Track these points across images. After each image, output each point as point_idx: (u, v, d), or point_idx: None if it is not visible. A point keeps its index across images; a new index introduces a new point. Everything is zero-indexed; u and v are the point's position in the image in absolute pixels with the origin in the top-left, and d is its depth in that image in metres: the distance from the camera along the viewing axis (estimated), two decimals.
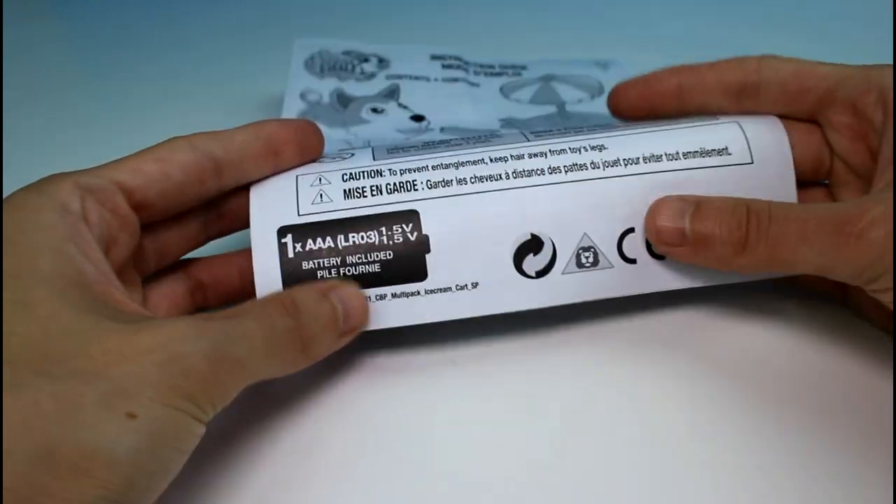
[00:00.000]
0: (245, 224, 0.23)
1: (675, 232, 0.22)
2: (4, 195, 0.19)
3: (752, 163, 0.23)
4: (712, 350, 0.23)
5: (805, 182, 0.24)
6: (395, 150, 0.25)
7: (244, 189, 0.23)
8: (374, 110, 0.33)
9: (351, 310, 0.21)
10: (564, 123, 0.33)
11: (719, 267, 0.22)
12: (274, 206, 0.22)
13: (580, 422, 0.21)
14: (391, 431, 0.21)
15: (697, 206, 0.21)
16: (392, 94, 0.35)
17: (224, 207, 0.23)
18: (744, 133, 0.23)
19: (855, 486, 0.19)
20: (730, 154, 0.23)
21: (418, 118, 0.33)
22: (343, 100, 0.34)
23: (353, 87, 0.35)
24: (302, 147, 0.23)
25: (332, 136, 0.31)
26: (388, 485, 0.20)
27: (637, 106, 0.25)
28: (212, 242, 0.24)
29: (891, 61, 0.22)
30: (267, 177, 0.23)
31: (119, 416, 0.15)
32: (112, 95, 0.42)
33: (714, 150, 0.23)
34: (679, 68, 0.24)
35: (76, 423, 0.14)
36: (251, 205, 0.22)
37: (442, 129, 0.32)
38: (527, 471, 0.20)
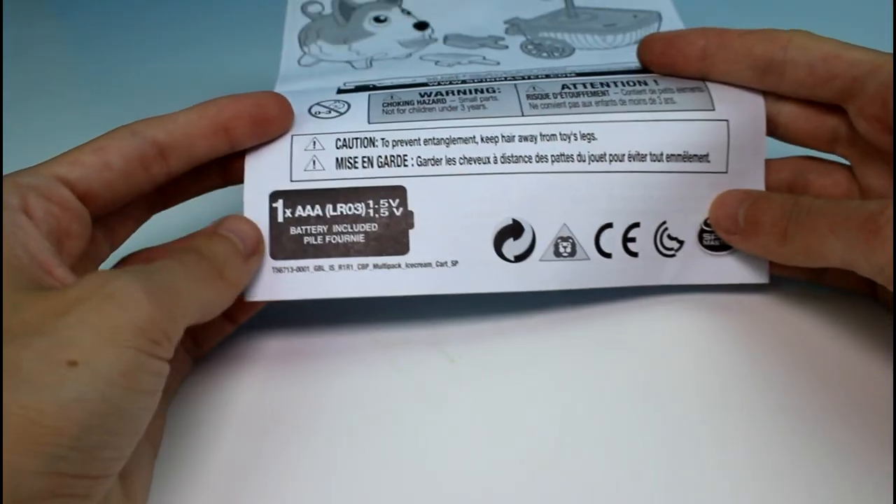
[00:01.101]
0: (187, 196, 0.24)
1: (731, 219, 0.23)
2: None
3: (726, 172, 0.24)
4: (725, 343, 0.23)
5: (827, 162, 0.24)
6: (391, 105, 0.24)
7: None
8: (377, 19, 0.32)
9: (242, 233, 0.22)
10: (570, 23, 0.31)
11: (767, 256, 0.23)
12: (268, 169, 0.23)
13: (581, 420, 0.21)
14: (385, 428, 0.21)
15: (755, 199, 0.23)
16: None
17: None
18: (728, 139, 0.24)
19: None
20: (709, 162, 0.24)
21: (421, 26, 0.32)
22: (345, 9, 0.33)
23: None
24: (256, 120, 0.22)
25: (335, 54, 0.30)
26: (385, 484, 0.20)
27: (660, 62, 0.25)
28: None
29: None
30: None
31: (59, 366, 0.15)
32: (112, 95, 0.42)
33: (696, 155, 0.24)
34: (707, 31, 0.24)
35: (19, 382, 0.14)
36: (246, 165, 0.23)
37: (446, 39, 0.31)
38: (527, 471, 0.20)
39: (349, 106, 0.25)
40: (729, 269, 0.24)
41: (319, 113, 0.24)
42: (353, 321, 0.25)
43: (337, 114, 0.24)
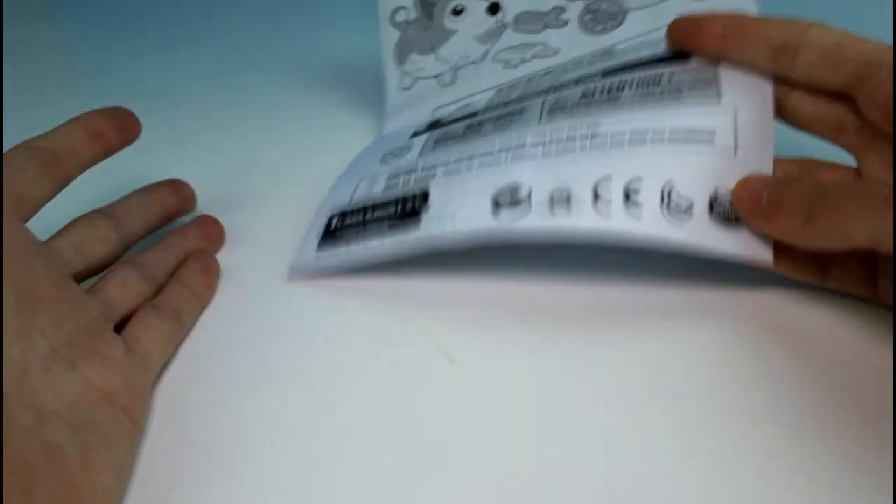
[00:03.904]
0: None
1: (754, 200, 0.23)
2: None
3: (734, 157, 0.24)
4: (725, 345, 0.23)
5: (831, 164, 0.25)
6: (440, 140, 0.29)
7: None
8: (455, 11, 0.34)
9: (195, 282, 0.26)
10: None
11: (788, 237, 0.22)
12: (335, 194, 0.29)
13: (582, 421, 0.21)
14: (385, 427, 0.21)
15: (781, 181, 0.23)
16: None
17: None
18: (735, 125, 0.24)
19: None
20: (714, 145, 0.24)
21: (494, 8, 0.34)
22: (426, 6, 0.35)
23: None
24: (121, 128, 0.26)
25: (427, 68, 0.35)
26: (385, 483, 0.20)
27: (682, 40, 0.27)
28: None
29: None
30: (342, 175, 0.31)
31: None
32: (112, 95, 0.42)
33: (701, 134, 0.24)
34: (729, 17, 0.25)
35: None
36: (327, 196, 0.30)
37: (516, 21, 0.33)
38: (527, 472, 0.20)
39: (410, 149, 0.29)
40: (735, 243, 0.23)
41: (387, 158, 0.30)
42: (353, 321, 0.25)
43: (399, 157, 0.29)
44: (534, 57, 0.33)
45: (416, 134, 0.31)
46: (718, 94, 0.25)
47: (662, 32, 0.28)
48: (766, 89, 0.25)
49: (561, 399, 0.22)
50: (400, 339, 0.24)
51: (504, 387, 0.22)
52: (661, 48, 0.28)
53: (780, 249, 0.23)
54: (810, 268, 0.24)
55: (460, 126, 0.30)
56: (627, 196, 0.23)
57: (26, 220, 0.22)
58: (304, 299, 0.26)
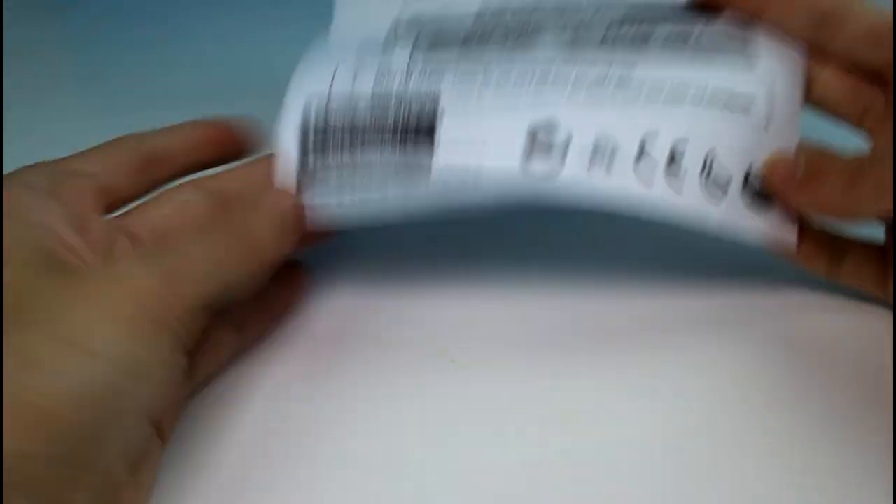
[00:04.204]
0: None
1: (789, 167, 0.22)
2: None
3: (766, 131, 0.23)
4: (725, 347, 0.23)
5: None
6: (436, 44, 0.24)
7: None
8: None
9: (284, 209, 0.21)
10: None
11: (828, 209, 0.22)
12: (310, 85, 0.23)
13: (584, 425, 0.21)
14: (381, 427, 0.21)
15: (818, 150, 0.22)
16: None
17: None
18: (770, 96, 0.23)
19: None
20: (749, 114, 0.22)
21: None
22: None
23: None
24: (226, 144, 0.24)
25: None
26: (385, 484, 0.20)
27: (716, 1, 0.24)
28: None
29: None
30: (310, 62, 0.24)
31: (79, 356, 0.15)
32: (112, 95, 0.42)
33: (741, 98, 0.22)
34: None
35: (39, 371, 0.14)
36: (291, 84, 0.23)
37: None
38: (528, 473, 0.20)
39: (394, 45, 0.24)
40: (763, 224, 0.23)
41: (364, 48, 0.24)
42: (353, 321, 0.25)
43: (380, 52, 0.24)
44: None
45: (389, 42, 0.25)
46: (752, 62, 0.23)
47: None
48: (799, 62, 0.24)
49: (561, 399, 0.22)
50: (400, 339, 0.24)
51: (504, 387, 0.22)
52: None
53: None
54: (825, 259, 0.24)
55: (456, 33, 0.24)
56: (672, 158, 0.21)
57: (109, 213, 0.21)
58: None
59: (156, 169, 0.22)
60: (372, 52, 0.24)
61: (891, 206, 0.20)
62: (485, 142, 0.21)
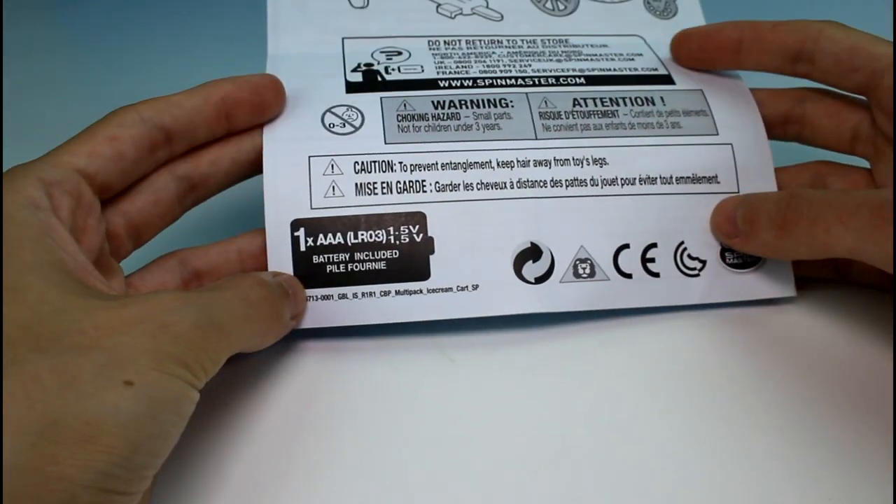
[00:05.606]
0: (217, 189, 0.24)
1: (730, 222, 0.23)
2: None
3: (737, 192, 0.24)
4: (726, 348, 0.23)
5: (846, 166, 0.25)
6: (406, 120, 0.24)
7: (212, 155, 0.23)
8: None
9: (298, 292, 0.22)
10: None
11: (769, 253, 0.23)
12: (288, 196, 0.23)
13: (585, 422, 0.21)
14: (382, 426, 0.21)
15: (751, 198, 0.23)
16: None
17: (195, 178, 0.23)
18: (734, 161, 0.24)
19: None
20: (718, 183, 0.24)
21: None
22: None
23: None
24: (255, 107, 0.23)
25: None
26: (385, 484, 0.20)
27: (697, 57, 0.26)
28: (207, 229, 0.25)
29: None
30: (277, 152, 0.23)
31: (117, 384, 0.15)
32: (112, 95, 0.42)
33: (705, 177, 0.24)
34: (741, 24, 0.25)
35: (77, 394, 0.15)
36: (265, 193, 0.23)
37: None
38: (528, 472, 0.20)
39: (363, 119, 0.25)
40: (755, 285, 0.24)
41: (333, 126, 0.24)
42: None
43: (352, 128, 0.24)
44: (473, 13, 0.29)
45: (351, 87, 0.25)
46: (714, 123, 0.25)
47: (629, 41, 0.27)
48: (750, 102, 0.25)
49: (562, 399, 0.22)
50: (400, 339, 0.24)
51: (504, 387, 0.22)
52: (638, 63, 0.27)
53: None
54: (831, 268, 0.24)
55: (425, 100, 0.25)
56: (644, 263, 0.24)
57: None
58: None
59: (161, 149, 0.22)
60: (332, 110, 0.25)
61: (827, 256, 0.20)
62: (477, 285, 0.23)
